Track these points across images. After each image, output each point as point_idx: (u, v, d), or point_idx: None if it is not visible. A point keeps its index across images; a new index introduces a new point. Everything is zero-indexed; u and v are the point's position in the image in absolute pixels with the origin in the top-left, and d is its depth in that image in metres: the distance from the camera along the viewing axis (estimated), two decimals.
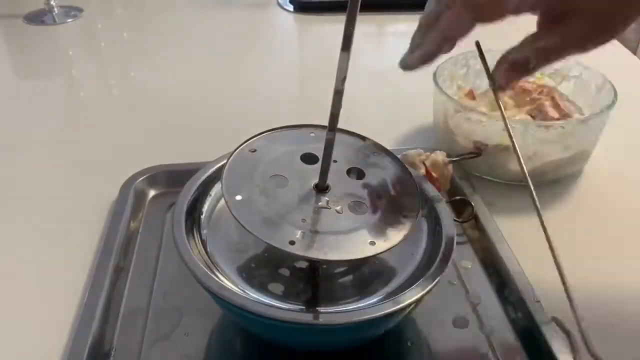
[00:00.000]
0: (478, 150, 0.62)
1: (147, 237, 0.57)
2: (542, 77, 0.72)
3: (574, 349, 0.42)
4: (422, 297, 0.41)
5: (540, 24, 0.45)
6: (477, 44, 0.53)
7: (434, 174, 0.56)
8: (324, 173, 0.44)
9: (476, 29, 0.46)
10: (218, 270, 0.44)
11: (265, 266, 0.46)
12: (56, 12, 1.09)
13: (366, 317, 0.39)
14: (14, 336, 0.48)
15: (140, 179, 0.62)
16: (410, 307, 0.42)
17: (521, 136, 0.60)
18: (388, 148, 0.50)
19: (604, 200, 0.63)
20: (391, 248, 0.42)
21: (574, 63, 0.70)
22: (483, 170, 0.65)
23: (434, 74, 0.67)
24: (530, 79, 0.70)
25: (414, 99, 0.82)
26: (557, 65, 0.70)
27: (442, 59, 0.70)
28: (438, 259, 0.43)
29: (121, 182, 0.61)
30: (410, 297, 0.40)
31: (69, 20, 1.09)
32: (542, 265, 0.53)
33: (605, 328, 0.49)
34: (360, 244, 0.41)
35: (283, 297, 0.43)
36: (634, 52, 1.00)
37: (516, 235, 0.55)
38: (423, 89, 0.83)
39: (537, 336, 0.46)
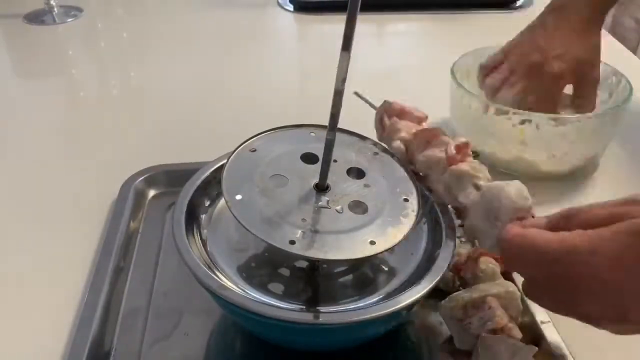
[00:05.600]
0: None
1: (147, 237, 0.57)
2: None
3: None
4: (422, 297, 0.41)
5: None
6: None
7: None
8: (324, 173, 0.44)
9: None
10: (218, 270, 0.44)
11: (265, 266, 0.46)
12: (56, 12, 1.09)
13: (366, 317, 0.39)
14: (14, 336, 0.48)
15: (140, 179, 0.62)
16: (410, 307, 0.42)
17: (538, 131, 0.60)
18: (388, 148, 0.50)
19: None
20: (391, 248, 0.42)
21: None
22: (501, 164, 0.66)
23: (452, 70, 0.67)
24: None
25: (414, 99, 0.82)
26: None
27: (458, 55, 0.70)
28: (438, 258, 0.43)
29: (121, 182, 0.61)
30: (410, 297, 0.40)
31: (69, 20, 1.09)
32: None
33: None
34: (361, 243, 0.41)
35: (283, 297, 0.43)
36: (634, 52, 1.00)
37: None
38: (423, 89, 0.83)
39: (537, 336, 0.46)
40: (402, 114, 0.54)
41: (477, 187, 0.44)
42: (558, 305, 0.37)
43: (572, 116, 0.62)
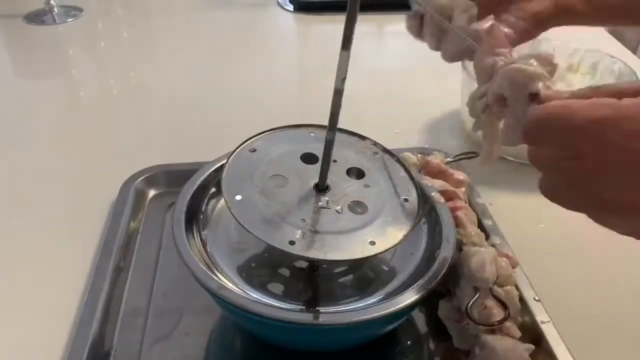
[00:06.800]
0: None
1: (147, 237, 0.57)
2: (578, 68, 0.74)
3: None
4: (421, 297, 0.41)
5: None
6: None
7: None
8: (324, 173, 0.44)
9: None
10: (218, 270, 0.44)
11: (265, 266, 0.46)
12: (56, 12, 1.09)
13: (366, 317, 0.39)
14: (14, 336, 0.48)
15: (140, 179, 0.62)
16: (410, 308, 0.42)
17: None
18: (387, 148, 0.50)
19: None
20: (391, 248, 0.42)
21: (603, 54, 0.72)
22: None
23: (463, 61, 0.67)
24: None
25: (414, 98, 0.83)
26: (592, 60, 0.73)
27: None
28: (438, 258, 0.43)
29: (121, 182, 0.61)
30: (409, 297, 0.40)
31: (69, 20, 1.09)
32: (542, 265, 0.53)
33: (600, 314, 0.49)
34: (360, 243, 0.41)
35: (283, 297, 0.43)
36: (634, 52, 1.00)
37: (516, 235, 0.55)
38: (423, 89, 0.83)
39: (537, 335, 0.46)
40: (440, 174, 0.56)
41: (460, 249, 0.46)
42: (581, 196, 0.33)
43: None
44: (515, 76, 0.38)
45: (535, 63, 0.39)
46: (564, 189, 0.34)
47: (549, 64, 0.39)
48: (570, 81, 0.74)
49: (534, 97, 0.37)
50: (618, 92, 0.32)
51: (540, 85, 0.37)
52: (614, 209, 0.32)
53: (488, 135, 0.44)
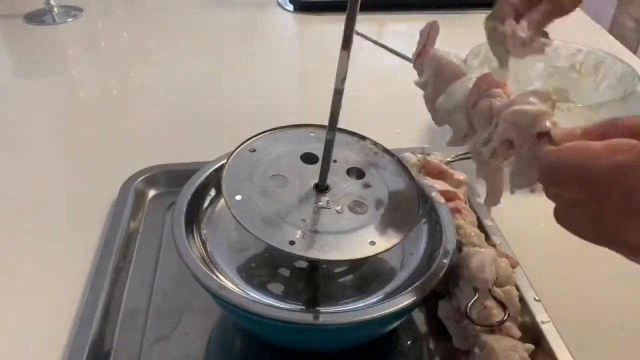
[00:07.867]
0: None
1: (147, 237, 0.57)
2: (580, 68, 0.74)
3: None
4: (421, 297, 0.41)
5: None
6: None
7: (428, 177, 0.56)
8: (324, 173, 0.44)
9: None
10: (218, 270, 0.44)
11: (265, 266, 0.46)
12: (56, 12, 1.09)
13: (366, 317, 0.39)
14: (14, 336, 0.48)
15: (140, 179, 0.62)
16: (410, 308, 0.42)
17: None
18: (387, 148, 0.50)
19: None
20: (391, 248, 0.42)
21: (605, 54, 0.73)
22: None
23: (466, 58, 0.67)
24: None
25: (414, 98, 0.82)
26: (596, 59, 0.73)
27: (477, 42, 0.70)
28: (438, 258, 0.43)
29: (121, 182, 0.61)
30: (409, 297, 0.40)
31: (69, 20, 1.09)
32: (542, 265, 0.53)
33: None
34: (360, 243, 0.41)
35: (283, 297, 0.43)
36: (634, 52, 1.00)
37: (516, 235, 0.55)
38: None
39: (537, 336, 0.46)
40: (440, 174, 0.56)
41: (460, 250, 0.46)
42: (604, 235, 0.32)
43: (577, 105, 0.62)
44: (519, 118, 0.37)
45: (535, 100, 0.38)
46: (585, 225, 0.33)
47: (548, 99, 0.38)
48: (573, 81, 0.74)
49: (543, 135, 0.35)
50: (632, 129, 0.32)
51: (548, 123, 0.36)
52: (635, 248, 0.31)
53: (493, 180, 0.44)
